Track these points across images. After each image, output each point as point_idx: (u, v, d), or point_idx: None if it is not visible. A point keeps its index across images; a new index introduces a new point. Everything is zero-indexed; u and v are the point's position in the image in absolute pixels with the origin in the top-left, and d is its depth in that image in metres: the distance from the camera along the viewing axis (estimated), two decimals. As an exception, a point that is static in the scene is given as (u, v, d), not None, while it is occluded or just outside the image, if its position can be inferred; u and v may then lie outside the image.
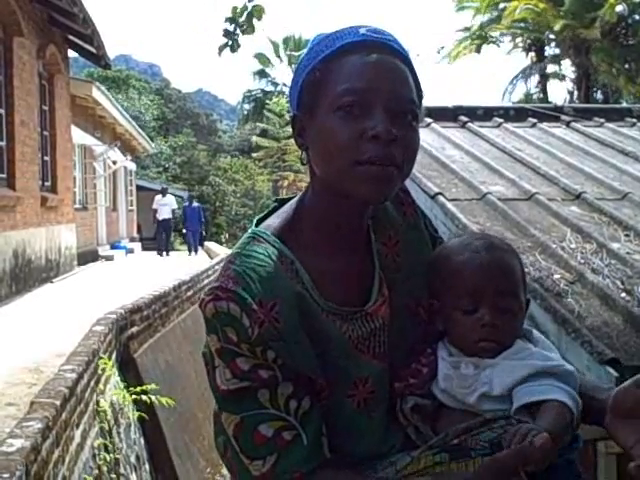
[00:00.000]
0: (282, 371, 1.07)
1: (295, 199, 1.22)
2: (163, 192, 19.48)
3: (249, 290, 1.07)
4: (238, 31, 5.64)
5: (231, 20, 5.62)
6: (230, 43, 5.68)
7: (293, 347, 1.07)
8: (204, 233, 21.54)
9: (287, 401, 1.07)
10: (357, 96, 1.08)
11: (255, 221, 1.21)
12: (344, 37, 1.12)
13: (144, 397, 5.92)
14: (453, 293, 1.18)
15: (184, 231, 21.15)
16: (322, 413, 1.11)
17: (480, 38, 23.29)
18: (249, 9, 5.56)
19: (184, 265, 13.69)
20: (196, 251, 19.14)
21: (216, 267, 12.93)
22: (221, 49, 5.70)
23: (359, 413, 1.14)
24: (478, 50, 23.31)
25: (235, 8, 5.60)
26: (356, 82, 1.08)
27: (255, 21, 5.56)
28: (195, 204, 20.14)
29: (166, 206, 18.79)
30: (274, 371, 1.07)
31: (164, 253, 18.48)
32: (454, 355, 1.18)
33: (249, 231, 1.18)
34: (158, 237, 18.93)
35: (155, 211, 19.09)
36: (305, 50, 1.18)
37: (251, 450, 1.08)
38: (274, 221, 1.18)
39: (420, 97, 1.14)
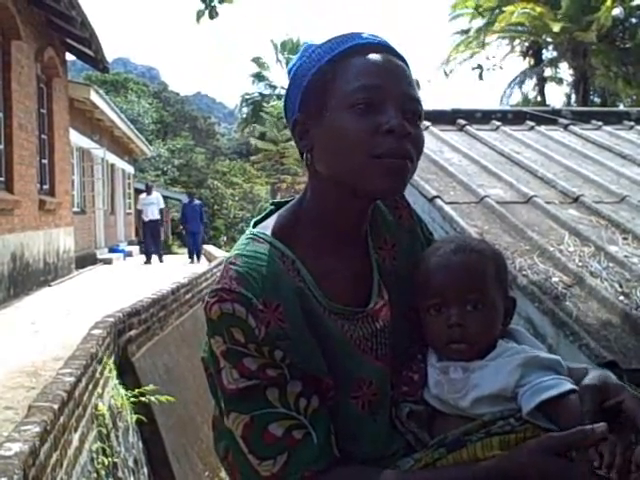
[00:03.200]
0: (290, 370, 1.07)
1: (292, 202, 1.22)
2: (148, 190, 16.79)
3: (253, 290, 1.07)
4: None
5: None
6: (208, 9, 5.75)
7: (300, 346, 1.08)
8: (204, 235, 19.10)
9: (297, 399, 1.07)
10: (370, 93, 1.09)
11: (252, 223, 1.21)
12: (348, 40, 1.15)
13: (142, 398, 5.92)
14: (424, 295, 1.20)
15: (183, 233, 18.91)
16: (330, 413, 1.11)
17: (479, 67, 23.28)
18: None
19: (182, 272, 13.31)
20: (198, 257, 16.57)
21: (214, 270, 12.92)
22: (199, 15, 5.77)
23: (364, 415, 1.14)
24: (481, 77, 23.30)
25: None
26: (369, 80, 1.10)
27: None
28: (196, 202, 17.33)
29: (152, 205, 16.12)
30: (282, 370, 1.06)
31: (154, 259, 15.95)
32: (442, 360, 1.18)
33: (247, 232, 1.17)
34: (146, 241, 16.30)
35: (140, 212, 16.68)
36: (296, 58, 1.19)
37: (261, 450, 1.07)
38: (272, 223, 1.18)
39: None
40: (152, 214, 15.97)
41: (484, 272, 1.19)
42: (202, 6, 5.78)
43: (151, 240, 16.05)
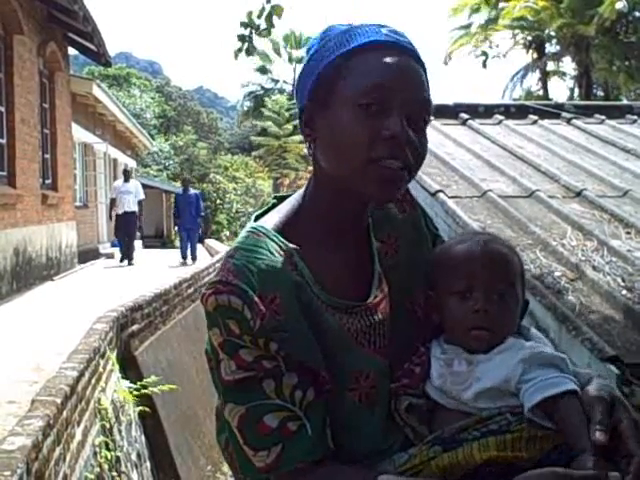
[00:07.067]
0: (286, 362, 1.07)
1: (295, 195, 1.22)
2: (126, 176, 13.92)
3: (249, 283, 1.07)
4: (253, 34, 5.74)
5: (246, 25, 5.71)
6: (246, 47, 5.78)
7: (296, 338, 1.08)
8: (201, 232, 16.44)
9: (293, 391, 1.07)
10: (378, 94, 1.08)
11: (254, 217, 1.22)
12: (367, 34, 1.12)
13: (145, 391, 5.94)
14: (449, 278, 1.19)
15: (175, 229, 16.56)
16: (325, 405, 1.11)
17: (484, 54, 23.31)
18: (267, 10, 5.64)
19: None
20: (193, 257, 14.03)
21: (216, 265, 12.91)
22: (236, 53, 5.80)
23: (361, 408, 1.14)
24: (484, 65, 23.31)
25: (250, 13, 5.68)
26: (379, 80, 1.08)
27: (275, 19, 5.66)
28: (191, 191, 14.43)
29: (130, 195, 13.26)
30: (278, 362, 1.07)
31: (125, 260, 13.32)
32: (447, 353, 1.18)
33: (248, 226, 1.18)
34: (119, 237, 13.67)
35: (113, 202, 13.64)
36: (317, 38, 1.17)
37: (256, 441, 1.08)
38: (273, 216, 1.19)
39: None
40: (128, 205, 13.21)
41: (514, 265, 1.21)
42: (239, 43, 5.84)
43: (125, 237, 13.43)
